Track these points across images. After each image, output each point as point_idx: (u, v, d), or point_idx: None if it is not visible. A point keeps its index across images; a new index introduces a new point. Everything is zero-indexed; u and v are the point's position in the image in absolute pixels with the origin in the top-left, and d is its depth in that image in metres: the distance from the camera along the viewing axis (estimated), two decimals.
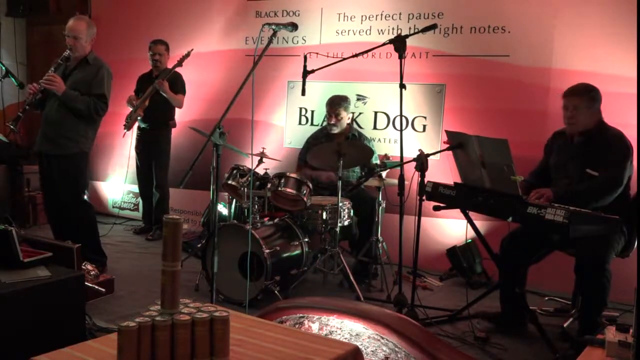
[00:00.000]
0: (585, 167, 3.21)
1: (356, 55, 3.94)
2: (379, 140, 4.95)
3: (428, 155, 3.43)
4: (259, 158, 4.14)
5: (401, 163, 3.60)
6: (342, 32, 5.09)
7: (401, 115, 3.59)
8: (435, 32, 4.36)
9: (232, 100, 2.76)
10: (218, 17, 5.69)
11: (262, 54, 2.87)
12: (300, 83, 3.82)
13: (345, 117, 4.43)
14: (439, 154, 3.93)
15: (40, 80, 3.85)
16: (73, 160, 3.98)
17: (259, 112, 5.41)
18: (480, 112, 4.52)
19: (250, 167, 4.05)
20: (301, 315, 2.44)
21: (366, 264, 4.21)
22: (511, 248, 3.40)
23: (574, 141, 3.35)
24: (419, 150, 3.48)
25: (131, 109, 5.28)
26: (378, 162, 4.33)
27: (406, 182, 3.57)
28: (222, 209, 4.71)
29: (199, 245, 4.66)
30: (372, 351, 2.26)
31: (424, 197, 3.39)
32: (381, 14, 4.91)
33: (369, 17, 4.96)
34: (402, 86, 3.52)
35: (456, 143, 3.37)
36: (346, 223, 4.00)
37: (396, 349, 2.24)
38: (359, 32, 5.01)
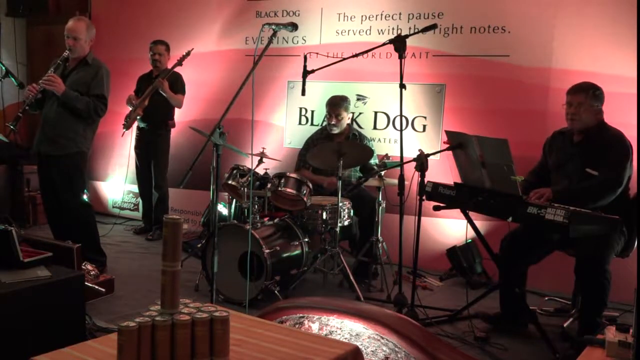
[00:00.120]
0: (585, 166, 3.21)
1: (356, 55, 3.94)
2: (379, 140, 4.95)
3: (428, 155, 3.43)
4: (259, 158, 4.14)
5: (401, 163, 3.60)
6: (342, 32, 5.09)
7: (401, 115, 3.59)
8: (435, 32, 4.36)
9: (232, 100, 2.76)
10: (218, 17, 5.69)
11: (262, 54, 2.87)
12: (300, 83, 3.82)
13: (346, 117, 4.43)
14: (439, 154, 3.93)
15: (40, 81, 3.85)
16: (72, 160, 3.99)
17: (259, 112, 5.41)
18: (480, 112, 4.52)
19: (250, 167, 4.05)
20: (301, 315, 2.44)
21: (366, 264, 4.21)
22: (511, 248, 3.40)
23: (573, 141, 3.35)
24: (419, 150, 3.47)
25: (131, 109, 5.28)
26: (377, 161, 4.33)
27: (406, 182, 3.57)
28: (222, 209, 4.71)
29: (199, 245, 4.66)
30: (372, 351, 2.26)
31: (424, 197, 3.39)
32: (381, 14, 4.91)
33: (369, 17, 4.96)
34: (402, 86, 3.52)
35: (456, 143, 3.37)
36: (346, 223, 4.00)
37: (396, 349, 2.24)
38: (359, 32, 5.01)
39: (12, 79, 4.91)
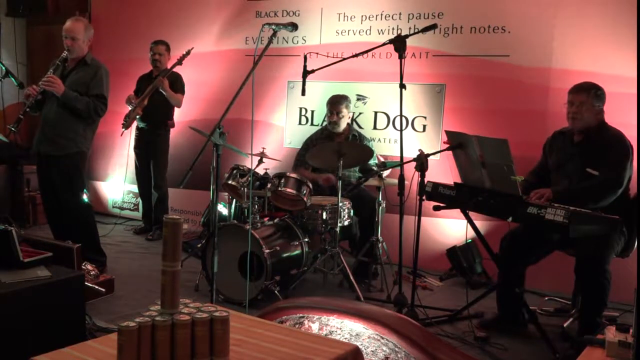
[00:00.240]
0: (586, 167, 3.21)
1: (356, 55, 3.94)
2: (379, 140, 4.95)
3: (428, 155, 3.43)
4: (259, 158, 4.14)
5: (401, 163, 3.60)
6: (342, 32, 5.09)
7: (401, 115, 3.59)
8: (435, 32, 4.36)
9: (232, 100, 2.76)
10: (218, 17, 5.69)
11: (262, 54, 2.87)
12: (300, 83, 3.82)
13: (347, 116, 4.43)
14: (439, 154, 3.93)
15: (40, 82, 3.86)
16: (72, 160, 3.99)
17: (259, 112, 5.41)
18: (480, 112, 4.52)
19: (250, 167, 4.05)
20: (301, 315, 2.44)
21: (366, 264, 4.21)
22: (511, 248, 3.40)
23: (574, 141, 3.35)
24: (419, 150, 3.47)
25: (130, 108, 5.28)
26: (377, 161, 4.33)
27: (406, 182, 3.57)
28: (222, 209, 4.71)
29: (199, 245, 4.66)
30: (372, 351, 2.26)
31: (424, 197, 3.39)
32: (381, 14, 4.91)
33: (369, 17, 4.96)
34: (402, 86, 3.52)
35: (456, 143, 3.37)
36: (346, 223, 4.00)
37: (396, 349, 2.24)
38: (359, 32, 5.01)
39: (12, 79, 4.91)
